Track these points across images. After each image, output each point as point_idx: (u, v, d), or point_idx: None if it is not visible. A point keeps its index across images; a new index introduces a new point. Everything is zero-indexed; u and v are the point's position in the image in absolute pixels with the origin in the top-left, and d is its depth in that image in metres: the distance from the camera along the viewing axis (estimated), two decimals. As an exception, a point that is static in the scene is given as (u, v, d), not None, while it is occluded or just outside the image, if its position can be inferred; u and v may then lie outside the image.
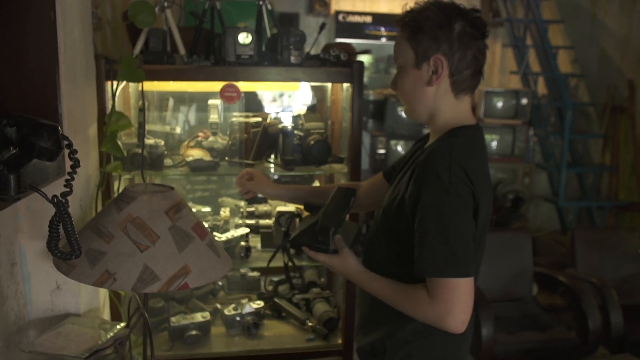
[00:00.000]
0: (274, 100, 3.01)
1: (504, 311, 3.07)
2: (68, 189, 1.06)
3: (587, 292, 2.88)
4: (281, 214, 2.12)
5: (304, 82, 2.07)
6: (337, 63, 1.91)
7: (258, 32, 1.98)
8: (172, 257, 1.24)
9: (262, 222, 2.27)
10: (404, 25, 1.29)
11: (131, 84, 2.07)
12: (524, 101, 4.48)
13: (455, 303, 1.14)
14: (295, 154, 2.03)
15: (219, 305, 2.28)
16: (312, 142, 1.99)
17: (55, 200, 1.04)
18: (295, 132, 2.05)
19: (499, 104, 4.54)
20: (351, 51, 1.99)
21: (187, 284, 1.24)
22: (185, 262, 1.25)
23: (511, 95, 4.52)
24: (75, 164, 1.05)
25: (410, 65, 1.28)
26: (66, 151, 1.05)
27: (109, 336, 1.40)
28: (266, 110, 2.84)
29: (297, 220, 1.65)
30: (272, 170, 2.15)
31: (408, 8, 1.30)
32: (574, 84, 5.01)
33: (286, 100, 2.95)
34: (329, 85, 2.33)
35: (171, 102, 2.34)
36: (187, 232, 1.29)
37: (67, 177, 1.06)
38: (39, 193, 1.02)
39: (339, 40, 5.18)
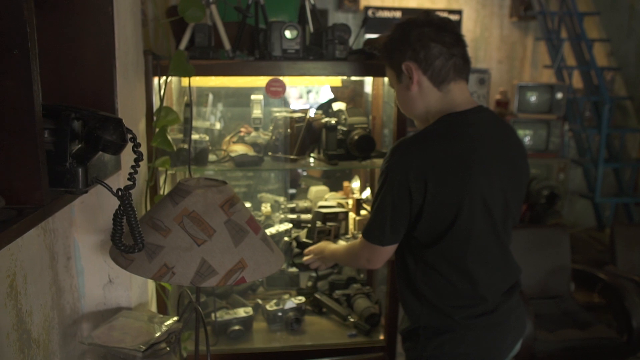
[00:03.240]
0: (300, 97, 2.99)
1: (542, 308, 3.02)
2: (132, 183, 1.06)
3: (631, 290, 2.82)
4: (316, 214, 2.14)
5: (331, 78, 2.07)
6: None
7: (301, 26, 1.96)
8: (229, 251, 1.23)
9: (304, 216, 2.27)
10: (381, 57, 1.50)
11: (174, 80, 2.08)
12: (559, 95, 4.39)
13: (366, 256, 1.52)
14: (339, 148, 2.02)
15: (260, 301, 2.28)
16: (356, 137, 1.97)
17: (120, 194, 1.04)
18: (339, 126, 2.04)
19: (533, 99, 4.46)
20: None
21: (244, 278, 1.23)
22: (242, 256, 1.24)
23: (545, 89, 4.44)
24: (139, 157, 1.05)
25: (395, 82, 1.48)
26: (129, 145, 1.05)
27: (163, 330, 1.41)
28: (292, 106, 2.83)
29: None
30: (312, 164, 2.13)
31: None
32: (609, 77, 4.90)
33: (312, 97, 2.93)
34: (366, 79, 2.30)
35: (210, 98, 2.34)
36: (242, 226, 1.28)
37: (131, 170, 1.06)
38: (105, 186, 1.02)
39: (368, 35, 5.14)
